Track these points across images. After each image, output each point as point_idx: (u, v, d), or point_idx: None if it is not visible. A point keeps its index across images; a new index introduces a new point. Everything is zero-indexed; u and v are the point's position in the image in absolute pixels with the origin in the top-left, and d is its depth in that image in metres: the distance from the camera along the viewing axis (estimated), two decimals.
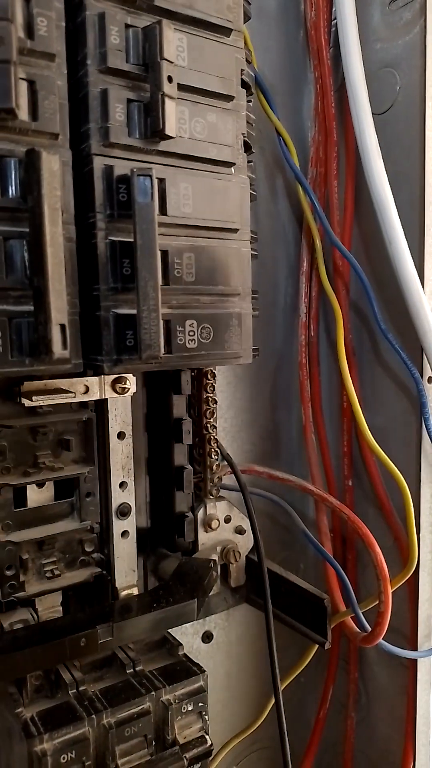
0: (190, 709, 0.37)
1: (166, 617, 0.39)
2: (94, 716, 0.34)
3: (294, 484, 0.49)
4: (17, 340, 0.30)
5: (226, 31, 0.36)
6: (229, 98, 0.36)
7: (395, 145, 0.47)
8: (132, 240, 0.32)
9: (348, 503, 0.53)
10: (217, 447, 0.49)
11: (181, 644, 0.41)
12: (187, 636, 0.52)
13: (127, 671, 0.38)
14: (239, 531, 0.51)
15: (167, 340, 0.35)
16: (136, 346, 0.33)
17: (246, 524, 0.51)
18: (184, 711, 0.37)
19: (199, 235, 0.36)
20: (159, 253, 0.32)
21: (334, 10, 0.51)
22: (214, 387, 0.48)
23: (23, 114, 0.29)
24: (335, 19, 0.50)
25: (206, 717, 0.38)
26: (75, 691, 0.36)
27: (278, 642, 0.43)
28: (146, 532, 0.49)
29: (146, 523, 0.49)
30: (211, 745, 0.37)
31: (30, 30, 0.29)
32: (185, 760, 0.36)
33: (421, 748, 0.50)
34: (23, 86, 0.29)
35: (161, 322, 0.32)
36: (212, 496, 0.49)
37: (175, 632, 0.45)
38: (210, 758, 0.37)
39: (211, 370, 0.47)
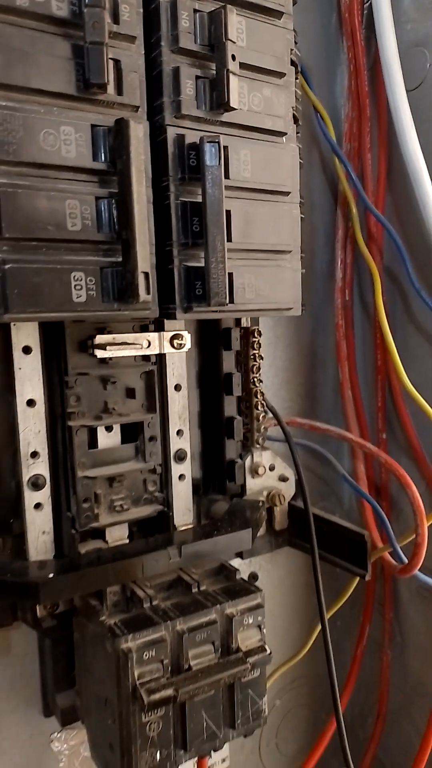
0: (250, 622, 0.42)
1: (227, 542, 0.43)
2: (169, 623, 0.39)
3: (333, 433, 0.53)
4: (106, 286, 0.35)
5: (278, 14, 0.40)
6: (281, 75, 0.41)
7: (426, 119, 0.51)
8: (201, 200, 0.36)
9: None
10: (263, 400, 0.53)
11: (237, 570, 0.46)
12: None
13: (193, 590, 0.43)
14: (282, 479, 0.55)
15: (229, 291, 0.39)
16: (204, 295, 0.37)
17: (288, 473, 0.55)
18: (245, 623, 0.41)
19: (257, 197, 0.40)
20: (224, 211, 0.36)
21: None
22: (260, 344, 0.52)
23: (111, 89, 0.34)
24: (368, 2, 0.54)
25: (264, 630, 0.42)
26: (149, 605, 0.41)
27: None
28: (199, 481, 0.53)
29: (199, 472, 0.53)
30: (270, 653, 0.42)
31: (116, 15, 0.34)
32: (248, 665, 0.40)
33: None
34: (110, 65, 0.34)
35: (227, 273, 0.37)
36: (258, 444, 0.53)
37: None
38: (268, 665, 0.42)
39: (257, 329, 0.52)
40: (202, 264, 0.37)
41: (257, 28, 0.39)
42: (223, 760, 0.60)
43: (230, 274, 0.39)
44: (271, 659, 0.41)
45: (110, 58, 0.34)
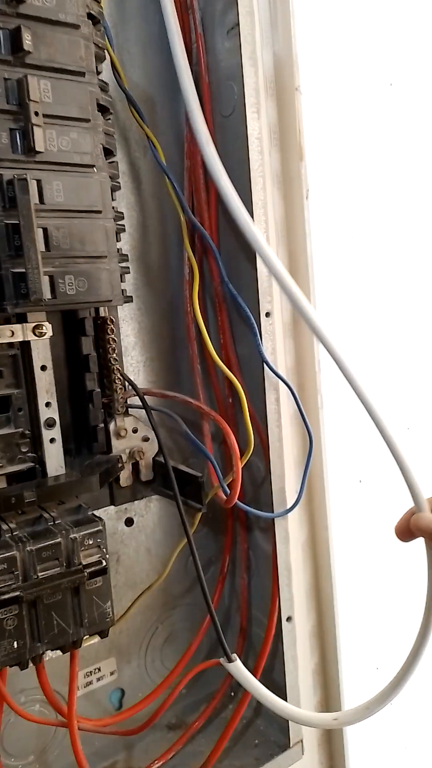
0: (91, 543, 0.54)
1: (75, 484, 0.55)
2: (20, 545, 0.51)
3: (178, 399, 0.65)
4: None
5: (81, 74, 0.52)
6: (86, 120, 0.52)
7: (236, 139, 0.63)
8: (18, 222, 0.48)
9: (230, 415, 0.70)
10: (120, 375, 0.65)
11: (89, 506, 0.58)
12: (112, 521, 0.70)
13: (49, 524, 0.55)
14: (145, 439, 0.68)
15: (53, 290, 0.51)
16: (28, 294, 0.49)
17: (151, 434, 0.68)
18: (86, 544, 0.54)
19: (72, 216, 0.52)
20: (36, 229, 0.48)
21: None
22: (113, 330, 0.64)
23: None
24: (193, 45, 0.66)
25: (105, 550, 0.55)
26: (10, 535, 0.53)
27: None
28: (71, 444, 0.65)
29: (71, 437, 0.65)
30: (106, 565, 0.54)
31: None
32: (86, 574, 0.53)
33: (284, 587, 0.67)
34: None
35: (42, 276, 0.49)
36: (119, 411, 0.65)
37: (103, 516, 0.60)
38: (107, 575, 0.54)
39: (111, 318, 0.64)
40: (24, 270, 0.49)
41: (61, 86, 0.51)
42: (112, 673, 0.73)
43: (51, 276, 0.51)
44: (107, 570, 0.54)
45: None
